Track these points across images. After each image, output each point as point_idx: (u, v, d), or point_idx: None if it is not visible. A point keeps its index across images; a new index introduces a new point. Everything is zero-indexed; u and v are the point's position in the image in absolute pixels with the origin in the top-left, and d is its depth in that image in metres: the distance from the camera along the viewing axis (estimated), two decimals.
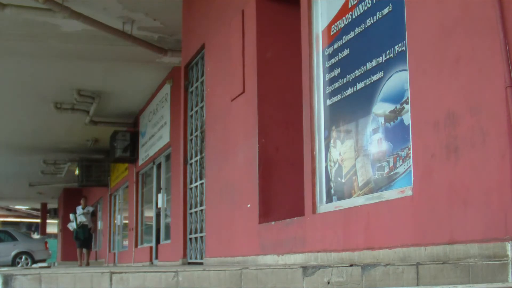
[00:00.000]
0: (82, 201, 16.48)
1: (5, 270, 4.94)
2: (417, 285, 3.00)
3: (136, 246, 15.23)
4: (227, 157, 6.84)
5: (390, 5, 4.19)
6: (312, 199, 4.92)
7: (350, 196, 4.60)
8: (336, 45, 4.87)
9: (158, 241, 13.27)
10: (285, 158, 5.96)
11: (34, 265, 20.29)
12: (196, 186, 8.20)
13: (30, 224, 44.73)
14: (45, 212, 35.21)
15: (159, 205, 12.89)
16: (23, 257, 23.59)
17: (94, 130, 16.31)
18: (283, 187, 5.93)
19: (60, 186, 27.38)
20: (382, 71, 4.24)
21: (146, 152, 14.32)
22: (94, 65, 11.83)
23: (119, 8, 9.20)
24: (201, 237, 7.85)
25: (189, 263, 8.24)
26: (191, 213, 8.36)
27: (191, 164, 8.44)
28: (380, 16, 4.31)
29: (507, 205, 3.03)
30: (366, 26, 4.48)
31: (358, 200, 4.44)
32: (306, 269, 3.00)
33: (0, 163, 21.80)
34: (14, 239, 24.08)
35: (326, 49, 5.03)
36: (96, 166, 19.42)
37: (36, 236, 35.36)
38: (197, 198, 8.15)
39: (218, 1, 7.49)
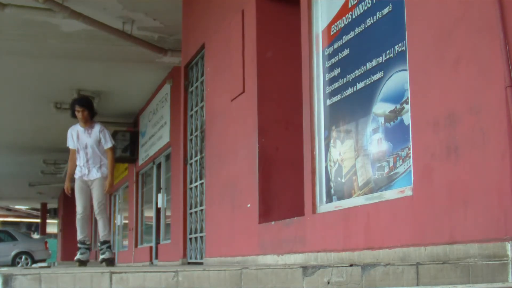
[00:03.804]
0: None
1: (5, 270, 4.94)
2: (417, 285, 3.00)
3: (136, 246, 15.23)
4: (227, 157, 6.84)
5: (390, 5, 4.19)
6: (312, 199, 4.92)
7: (350, 196, 4.60)
8: (336, 45, 4.87)
9: (158, 241, 13.28)
10: (285, 158, 5.95)
11: (34, 265, 20.28)
12: (196, 186, 8.20)
13: (30, 224, 44.73)
14: (45, 212, 35.23)
15: (159, 205, 12.88)
16: (23, 257, 23.61)
17: None
18: (283, 187, 5.93)
19: (60, 186, 27.33)
20: (382, 71, 4.24)
21: (146, 152, 14.32)
22: (94, 65, 11.82)
23: (119, 8, 9.20)
24: (201, 237, 7.85)
25: (189, 263, 8.23)
26: (191, 213, 8.36)
27: (191, 164, 8.44)
28: (380, 16, 4.31)
29: (507, 205, 3.03)
30: (366, 26, 4.48)
31: (358, 200, 4.44)
32: (306, 269, 3.00)
33: (0, 163, 21.80)
34: (14, 239, 24.11)
35: (326, 49, 5.03)
36: None
37: (36, 236, 35.37)
38: (197, 198, 8.15)
39: (218, 1, 7.48)
